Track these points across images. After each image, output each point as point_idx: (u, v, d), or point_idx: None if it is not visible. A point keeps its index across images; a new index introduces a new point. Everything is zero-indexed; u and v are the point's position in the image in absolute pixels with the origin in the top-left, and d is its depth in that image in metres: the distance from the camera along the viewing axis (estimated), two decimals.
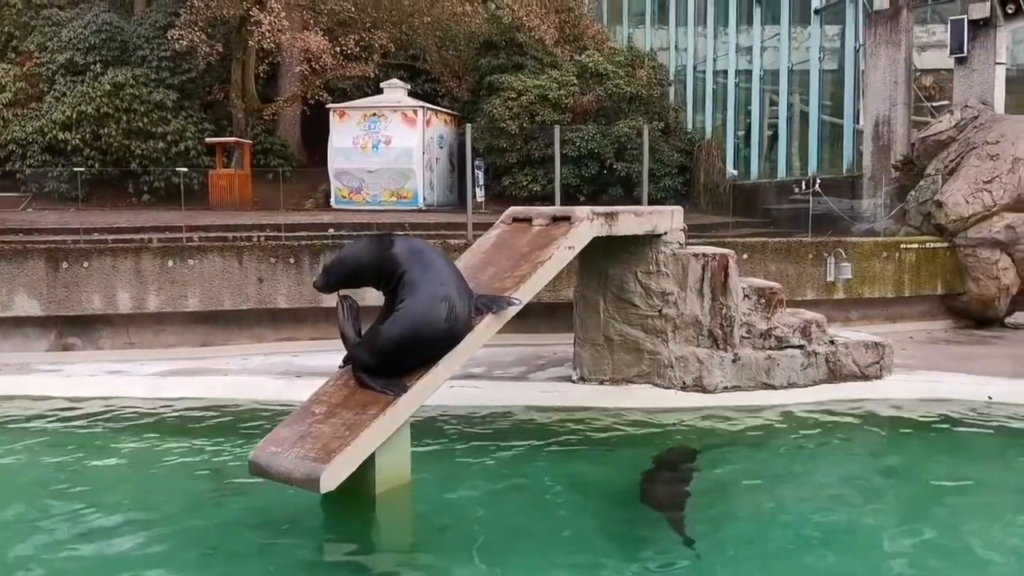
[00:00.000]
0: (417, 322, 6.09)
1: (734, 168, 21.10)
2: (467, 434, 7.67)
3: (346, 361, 6.52)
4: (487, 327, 6.56)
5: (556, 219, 7.80)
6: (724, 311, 8.76)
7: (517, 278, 6.99)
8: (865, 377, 9.20)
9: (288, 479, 5.68)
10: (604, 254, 8.73)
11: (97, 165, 21.61)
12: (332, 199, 22.16)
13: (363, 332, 6.55)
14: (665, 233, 8.76)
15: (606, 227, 7.92)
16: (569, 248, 7.48)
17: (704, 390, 8.72)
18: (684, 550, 5.36)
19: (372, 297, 6.83)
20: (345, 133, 22.11)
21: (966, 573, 5.16)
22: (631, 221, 8.29)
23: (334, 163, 22.16)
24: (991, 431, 7.87)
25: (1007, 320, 12.94)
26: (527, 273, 7.05)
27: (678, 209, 9.04)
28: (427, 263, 6.31)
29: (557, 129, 13.59)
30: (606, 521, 5.92)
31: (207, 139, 22.53)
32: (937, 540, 5.58)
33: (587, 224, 7.65)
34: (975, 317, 12.91)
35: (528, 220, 7.94)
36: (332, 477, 5.56)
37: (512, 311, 6.64)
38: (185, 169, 19.08)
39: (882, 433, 7.93)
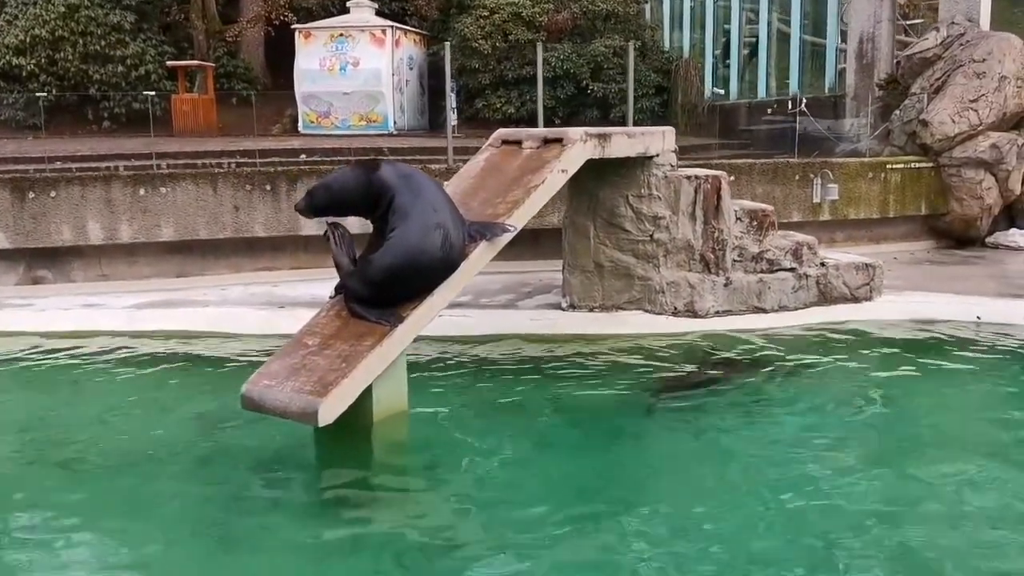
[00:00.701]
0: (411, 250, 5.92)
1: (719, 88, 20.81)
2: (459, 364, 7.59)
3: (338, 290, 6.35)
4: (482, 255, 6.43)
5: (547, 141, 7.62)
6: (716, 235, 8.67)
7: (510, 204, 6.83)
8: (855, 299, 9.21)
9: (284, 413, 5.56)
10: (594, 177, 8.57)
11: (54, 91, 20.84)
12: (300, 124, 21.58)
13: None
14: (657, 155, 8.61)
15: (599, 149, 7.75)
16: (562, 171, 7.31)
17: (695, 315, 8.68)
18: (674, 474, 5.34)
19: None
20: (311, 55, 21.44)
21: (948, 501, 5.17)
22: (623, 143, 8.12)
23: (301, 86, 21.53)
24: (983, 351, 7.92)
25: (987, 240, 13.02)
26: (520, 198, 6.89)
27: (669, 130, 8.88)
28: (417, 188, 6.11)
29: (540, 47, 13.26)
30: (600, 449, 5.88)
31: (168, 62, 21.77)
32: (923, 467, 5.60)
33: (580, 146, 7.48)
34: (957, 237, 12.97)
35: (518, 143, 7.74)
36: (330, 410, 5.46)
37: (507, 238, 6.51)
38: (152, 93, 18.43)
39: (873, 354, 7.95)
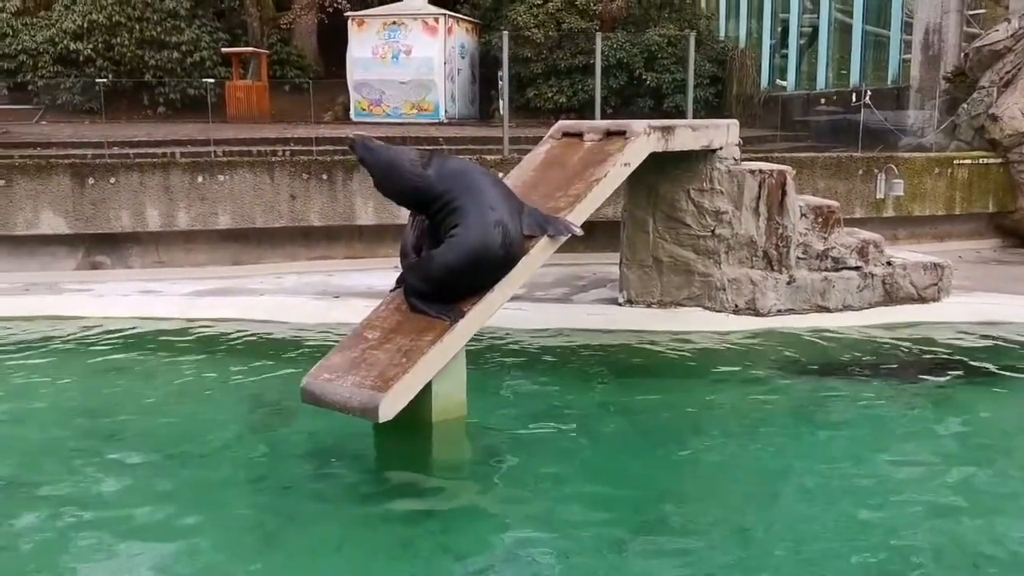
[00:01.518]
0: (473, 250, 5.82)
1: (780, 80, 20.44)
2: (517, 359, 7.51)
3: (398, 283, 6.28)
4: (542, 251, 6.30)
5: (610, 134, 7.48)
6: (780, 231, 8.49)
7: (572, 197, 6.71)
8: (922, 299, 8.98)
9: (344, 407, 5.50)
10: (655, 171, 8.41)
11: (111, 76, 21.12)
12: (351, 112, 21.66)
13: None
14: (720, 148, 8.44)
15: (662, 142, 7.60)
16: (625, 165, 7.18)
17: (757, 313, 8.52)
18: (734, 485, 5.21)
19: None
20: (364, 43, 21.48)
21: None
22: (687, 136, 7.96)
23: (353, 74, 21.60)
24: None
25: None
26: (582, 192, 6.77)
27: (733, 123, 8.69)
28: (474, 186, 5.97)
29: (599, 37, 13.05)
30: (661, 455, 5.73)
31: (223, 49, 21.95)
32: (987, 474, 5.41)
33: (644, 139, 7.32)
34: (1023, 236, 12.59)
35: (579, 135, 7.61)
36: (391, 406, 5.39)
37: (565, 237, 6.35)
38: (211, 80, 18.57)
39: (941, 357, 7.70)
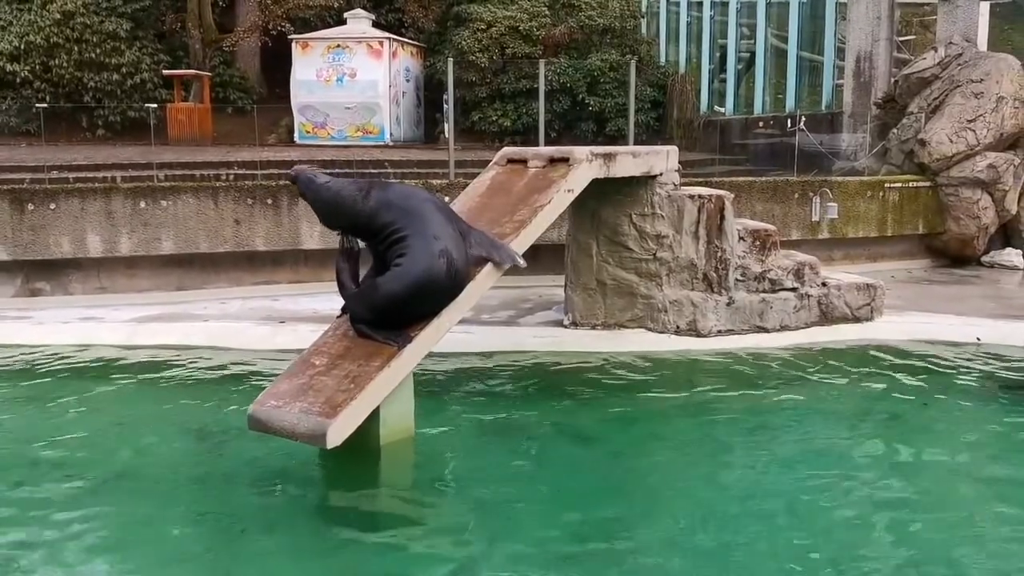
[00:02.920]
0: (418, 280, 5.88)
1: (719, 106, 20.90)
2: (463, 382, 7.57)
3: (344, 311, 6.33)
4: (489, 275, 6.40)
5: (553, 160, 7.61)
6: (719, 254, 8.69)
7: (517, 223, 6.83)
8: (856, 319, 9.23)
9: (292, 434, 5.52)
10: (597, 196, 8.58)
11: (49, 98, 20.79)
12: (296, 134, 21.63)
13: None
14: (660, 174, 8.63)
15: (604, 168, 7.76)
16: (568, 191, 7.32)
17: (698, 334, 8.69)
18: (680, 503, 5.34)
19: None
20: (308, 66, 21.49)
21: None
22: (628, 162, 8.14)
23: (297, 97, 21.58)
24: (984, 373, 7.94)
25: (983, 259, 13.09)
26: (527, 218, 6.89)
27: (673, 149, 8.89)
28: (415, 214, 6.03)
29: (542, 65, 13.25)
30: (609, 477, 5.85)
31: (164, 71, 21.77)
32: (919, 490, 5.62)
33: (586, 166, 7.48)
34: (953, 256, 13.03)
35: (523, 161, 7.74)
36: (338, 432, 5.42)
37: (509, 265, 6.44)
38: (154, 105, 18.37)
39: (875, 375, 7.94)
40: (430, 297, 5.95)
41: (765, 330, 8.87)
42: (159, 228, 10.19)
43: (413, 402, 6.18)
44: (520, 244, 6.66)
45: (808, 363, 8.14)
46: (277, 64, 23.16)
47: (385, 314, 5.97)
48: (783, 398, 7.27)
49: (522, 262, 6.49)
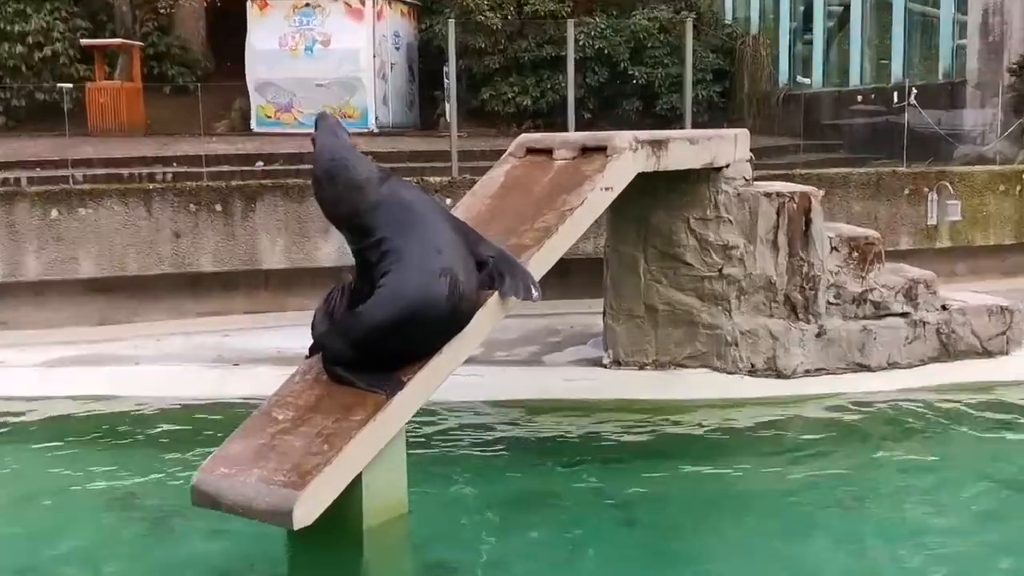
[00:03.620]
0: (410, 303, 5.88)
1: (803, 76, 20.90)
2: (473, 442, 7.60)
3: (313, 350, 6.36)
4: (502, 305, 6.38)
5: (586, 150, 7.67)
6: (805, 269, 8.69)
7: (540, 232, 6.86)
8: (987, 352, 9.24)
9: (248, 510, 5.54)
10: (644, 196, 8.61)
11: None
12: (252, 120, 21.76)
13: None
14: (727, 165, 8.67)
15: (653, 159, 7.80)
16: (606, 189, 7.37)
17: (779, 375, 8.70)
18: None
19: None
20: (268, 31, 21.63)
21: None
22: (685, 151, 8.17)
23: (254, 72, 21.70)
24: None
25: None
26: (552, 225, 6.93)
27: (743, 133, 8.94)
28: (416, 221, 6.09)
29: (571, 25, 13.33)
30: (659, 564, 5.82)
31: (82, 41, 21.98)
32: None
33: (630, 156, 7.51)
34: None
35: (547, 152, 7.80)
36: (308, 508, 5.43)
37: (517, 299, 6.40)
38: (69, 85, 18.55)
39: (1015, 427, 7.90)
40: (427, 328, 5.95)
41: (867, 368, 8.85)
42: (76, 244, 10.29)
43: (406, 469, 6.18)
44: (543, 260, 6.68)
45: (925, 413, 8.12)
46: (228, 30, 23.34)
47: (368, 351, 5.98)
48: (892, 460, 7.25)
49: (537, 293, 6.39)
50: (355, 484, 5.80)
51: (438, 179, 11.35)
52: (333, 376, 6.11)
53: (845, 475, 6.97)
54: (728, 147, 8.66)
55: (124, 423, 8.11)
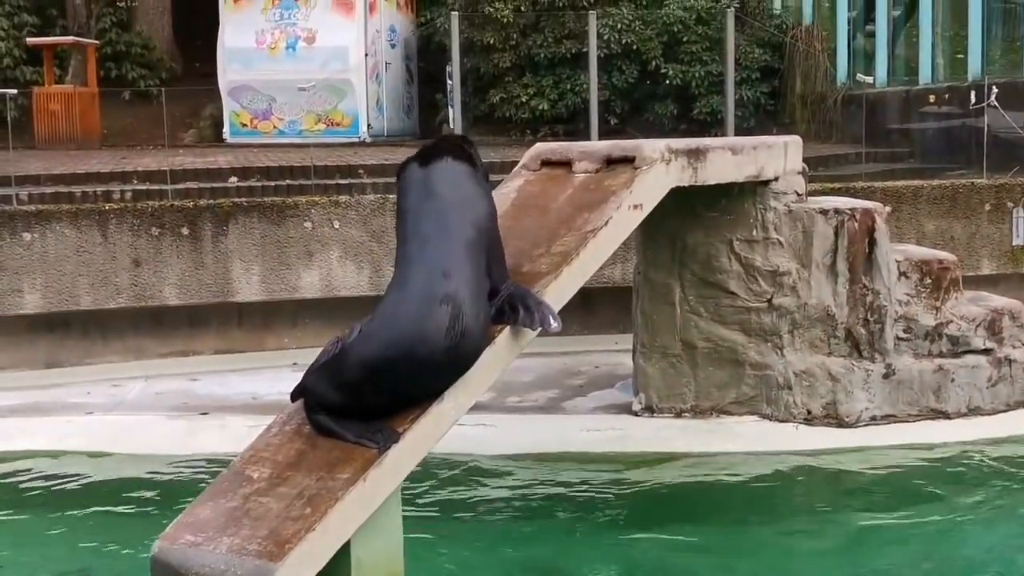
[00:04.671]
0: (402, 337, 5.84)
1: (864, 73, 20.90)
2: (478, 502, 7.59)
3: (296, 395, 6.33)
4: (514, 338, 6.36)
5: (611, 161, 7.64)
6: (870, 299, 8.67)
7: (557, 257, 6.84)
8: None
9: None
10: (680, 214, 8.62)
11: None
12: (226, 129, 21.87)
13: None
14: (776, 178, 8.65)
15: (690, 172, 7.78)
16: (635, 207, 7.32)
17: (841, 422, 8.67)
18: None
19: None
20: (244, 27, 21.78)
21: None
22: (727, 161, 8.16)
23: (227, 74, 21.85)
24: None
25: None
26: (571, 249, 6.89)
27: (795, 140, 8.95)
28: (419, 232, 6.08)
29: (594, 17, 13.37)
30: None
31: (29, 39, 22.18)
32: None
33: (662, 169, 7.50)
34: None
35: (566, 164, 7.79)
36: None
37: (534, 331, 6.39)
38: (13, 91, 18.62)
39: None
40: (423, 367, 5.91)
41: (944, 415, 8.82)
42: (19, 275, 10.34)
43: (401, 536, 6.15)
44: (561, 290, 6.65)
45: (1014, 469, 8.06)
46: (197, 26, 23.53)
47: (357, 394, 5.95)
48: (977, 524, 7.21)
49: (555, 324, 6.33)
50: (342, 555, 5.76)
51: None
52: (317, 426, 6.07)
53: (920, 546, 6.93)
54: (777, 157, 8.65)
55: (74, 484, 8.10)
